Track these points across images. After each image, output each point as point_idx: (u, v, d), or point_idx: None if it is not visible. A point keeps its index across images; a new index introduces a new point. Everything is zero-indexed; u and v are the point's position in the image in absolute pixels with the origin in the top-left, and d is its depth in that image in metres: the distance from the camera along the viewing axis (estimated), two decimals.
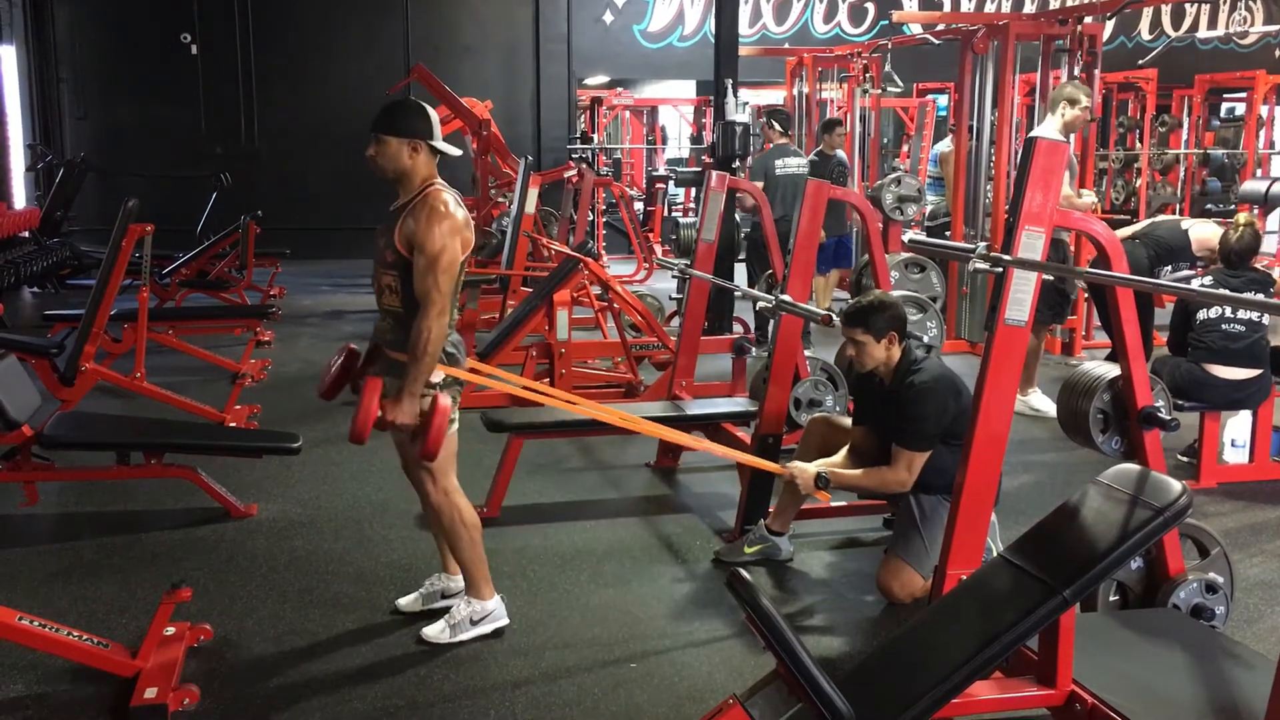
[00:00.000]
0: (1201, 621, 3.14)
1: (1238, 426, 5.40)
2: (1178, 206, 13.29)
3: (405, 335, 3.30)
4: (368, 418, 3.23)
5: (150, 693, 3.11)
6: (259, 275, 10.56)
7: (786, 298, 4.40)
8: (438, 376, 3.35)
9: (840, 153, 9.30)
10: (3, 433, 4.49)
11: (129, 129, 13.72)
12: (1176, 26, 16.18)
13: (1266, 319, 5.15)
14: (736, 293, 7.90)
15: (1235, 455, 5.40)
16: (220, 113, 13.90)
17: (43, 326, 7.56)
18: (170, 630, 3.42)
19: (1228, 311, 5.13)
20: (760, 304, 4.59)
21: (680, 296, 8.49)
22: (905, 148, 14.21)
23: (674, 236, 9.08)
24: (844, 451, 4.14)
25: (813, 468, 3.93)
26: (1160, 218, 6.43)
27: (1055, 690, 2.59)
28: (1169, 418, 3.20)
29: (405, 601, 3.81)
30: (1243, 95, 14.84)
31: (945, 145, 10.36)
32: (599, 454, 5.74)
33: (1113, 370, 3.34)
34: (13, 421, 4.47)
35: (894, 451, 3.83)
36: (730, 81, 8.30)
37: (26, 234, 11.24)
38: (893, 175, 7.32)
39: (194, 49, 13.78)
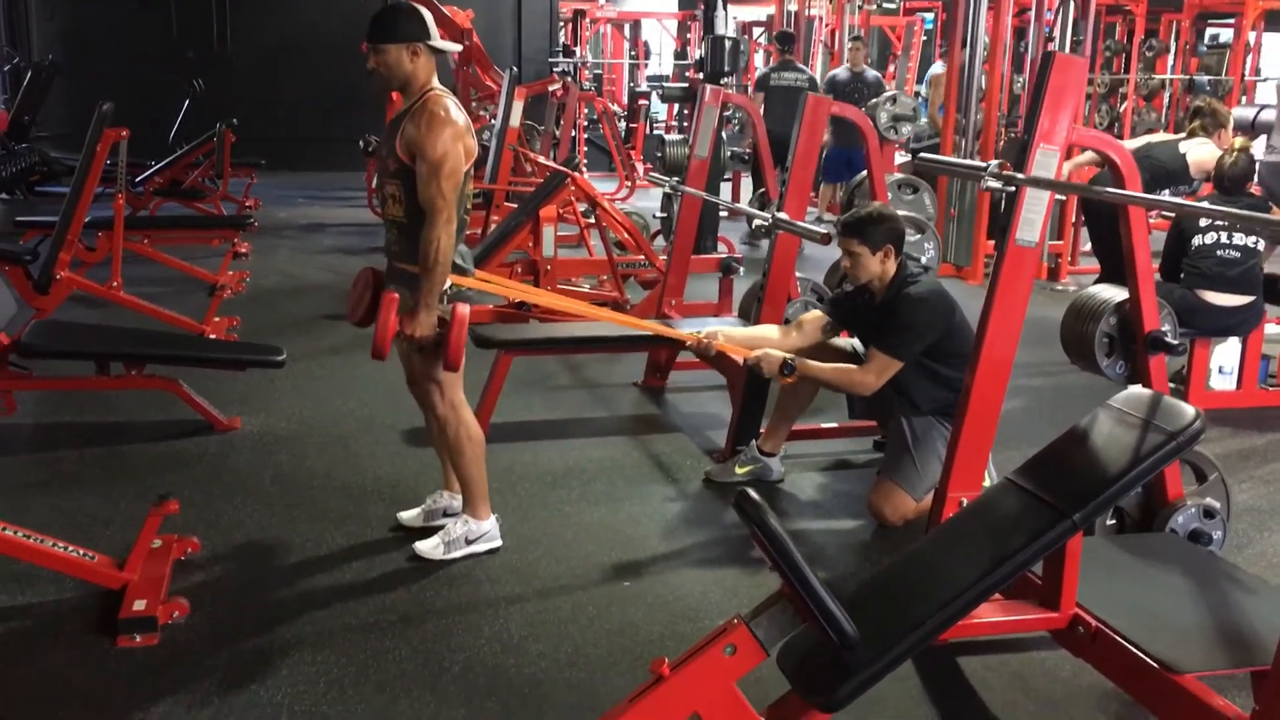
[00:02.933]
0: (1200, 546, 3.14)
1: (1225, 353, 5.38)
2: (1162, 131, 13.20)
3: (412, 246, 3.24)
4: (386, 333, 3.21)
5: (139, 605, 3.06)
6: (234, 186, 10.34)
7: (783, 215, 4.32)
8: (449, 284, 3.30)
9: (869, 70, 9.30)
10: None
11: (97, 31, 13.31)
12: None
13: (1261, 245, 5.11)
14: (723, 211, 7.82)
15: (1222, 382, 5.39)
16: (191, 16, 13.50)
17: (14, 233, 7.36)
18: (157, 543, 3.37)
19: (1223, 237, 5.09)
20: (756, 221, 4.50)
21: (665, 215, 8.40)
22: (891, 67, 14.01)
23: (659, 154, 8.93)
24: (778, 329, 4.08)
25: (778, 353, 3.85)
26: (1155, 138, 6.33)
27: (1059, 614, 2.58)
28: (1175, 342, 3.17)
29: (407, 516, 3.77)
30: (1231, 21, 14.70)
31: (939, 68, 10.20)
32: (586, 372, 5.68)
33: (1120, 294, 3.29)
34: None
35: (869, 353, 3.78)
36: None
37: None
38: (888, 94, 7.20)
39: None
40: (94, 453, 4.41)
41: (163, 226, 8.12)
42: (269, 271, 8.01)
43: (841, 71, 10.27)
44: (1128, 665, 2.41)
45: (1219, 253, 5.08)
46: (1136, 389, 2.74)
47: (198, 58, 13.23)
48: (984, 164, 3.00)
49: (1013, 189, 2.95)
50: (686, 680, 2.38)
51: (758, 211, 4.62)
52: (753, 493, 2.46)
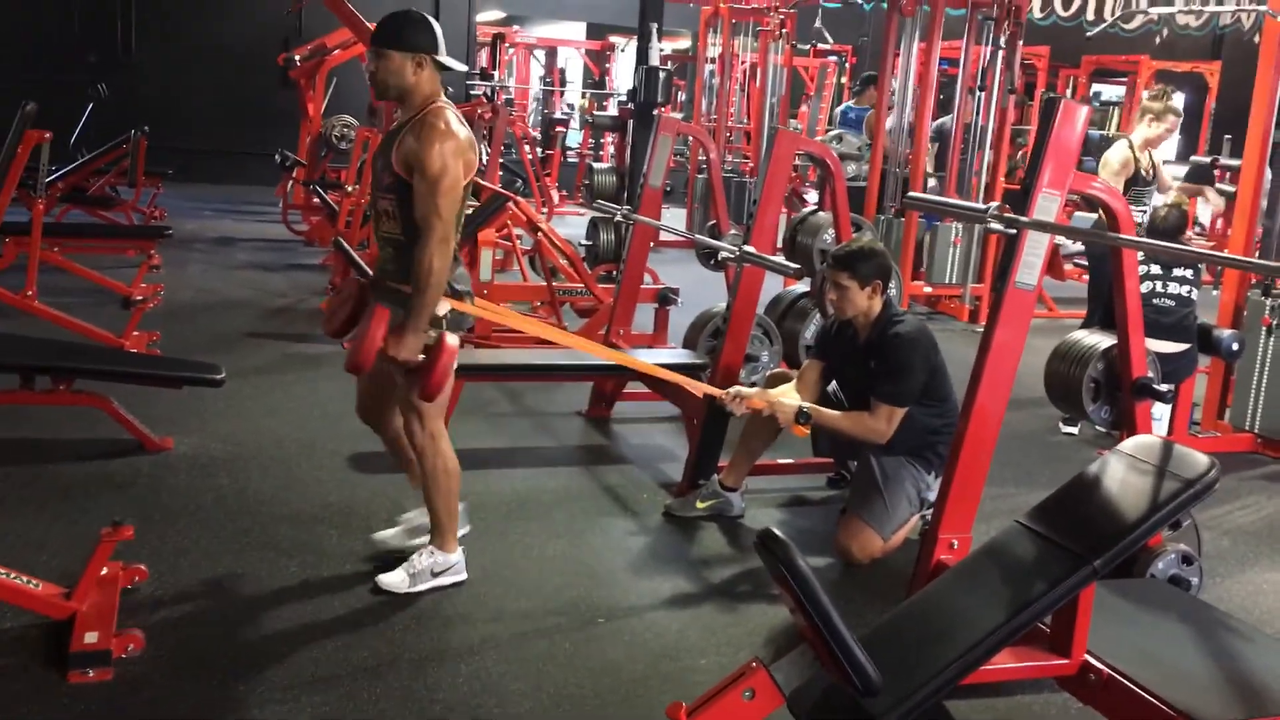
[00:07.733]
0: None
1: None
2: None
3: (407, 264, 3.09)
4: (372, 347, 3.04)
5: (90, 637, 2.86)
6: (141, 196, 9.93)
7: (750, 248, 4.28)
8: (443, 309, 3.15)
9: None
10: None
11: None
12: (1066, 8, 16.48)
13: (1195, 295, 5.26)
14: (670, 236, 7.76)
15: (1155, 428, 5.50)
16: (94, 18, 12.99)
17: None
18: (104, 571, 3.15)
19: (1158, 286, 5.22)
20: (722, 254, 4.45)
21: (590, 243, 8.32)
22: (804, 107, 14.22)
23: (587, 182, 8.85)
24: (792, 385, 4.05)
25: (793, 402, 3.80)
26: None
27: (1070, 660, 2.56)
28: (1163, 389, 3.21)
29: (384, 535, 3.61)
30: (1124, 79, 15.31)
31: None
32: (525, 400, 5.56)
33: (1105, 340, 3.33)
34: None
35: (874, 404, 3.75)
36: (655, 26, 8.14)
37: None
38: (834, 132, 7.26)
39: None
40: (18, 473, 4.13)
41: (75, 234, 7.73)
42: (183, 285, 7.69)
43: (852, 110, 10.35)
44: (1144, 714, 2.39)
45: (1154, 301, 5.20)
46: (1145, 436, 2.76)
47: (100, 61, 12.71)
48: (984, 206, 3.00)
49: (1014, 232, 2.96)
50: None
51: (725, 245, 4.57)
52: (778, 532, 2.40)
